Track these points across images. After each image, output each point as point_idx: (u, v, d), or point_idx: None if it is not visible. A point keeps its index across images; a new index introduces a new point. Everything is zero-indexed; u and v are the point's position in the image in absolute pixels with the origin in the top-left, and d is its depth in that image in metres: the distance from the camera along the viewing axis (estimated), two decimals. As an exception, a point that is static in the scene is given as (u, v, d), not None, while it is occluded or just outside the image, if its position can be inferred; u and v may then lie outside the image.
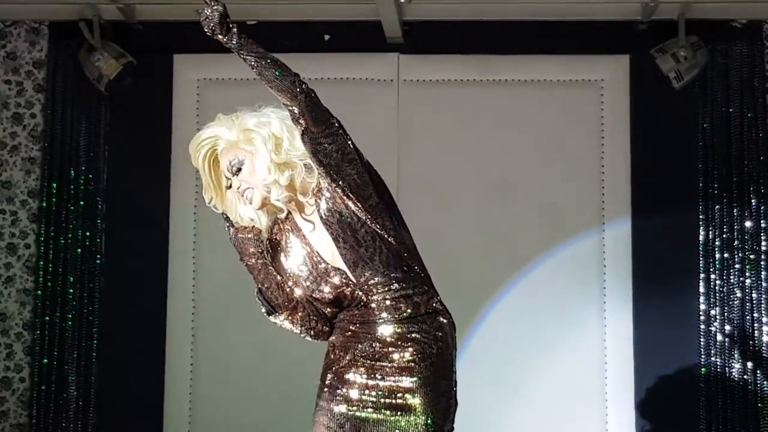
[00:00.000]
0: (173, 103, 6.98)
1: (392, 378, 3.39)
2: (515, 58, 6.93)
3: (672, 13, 6.64)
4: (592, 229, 6.83)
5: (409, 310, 3.42)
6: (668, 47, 6.62)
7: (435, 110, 6.93)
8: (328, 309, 3.51)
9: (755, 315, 6.61)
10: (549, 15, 6.82)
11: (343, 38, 6.93)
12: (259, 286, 3.49)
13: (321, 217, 3.41)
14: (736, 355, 6.60)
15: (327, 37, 6.96)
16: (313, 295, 3.49)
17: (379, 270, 3.39)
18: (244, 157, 3.39)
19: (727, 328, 6.61)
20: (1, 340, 6.90)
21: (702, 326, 6.65)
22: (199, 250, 6.87)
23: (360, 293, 3.43)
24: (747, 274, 6.64)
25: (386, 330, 3.43)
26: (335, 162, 3.32)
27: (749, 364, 6.58)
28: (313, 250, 3.46)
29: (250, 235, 3.46)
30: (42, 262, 6.84)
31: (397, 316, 3.42)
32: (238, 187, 3.41)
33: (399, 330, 3.42)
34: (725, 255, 6.66)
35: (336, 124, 3.33)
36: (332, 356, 3.51)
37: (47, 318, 6.80)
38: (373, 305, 3.43)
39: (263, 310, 3.53)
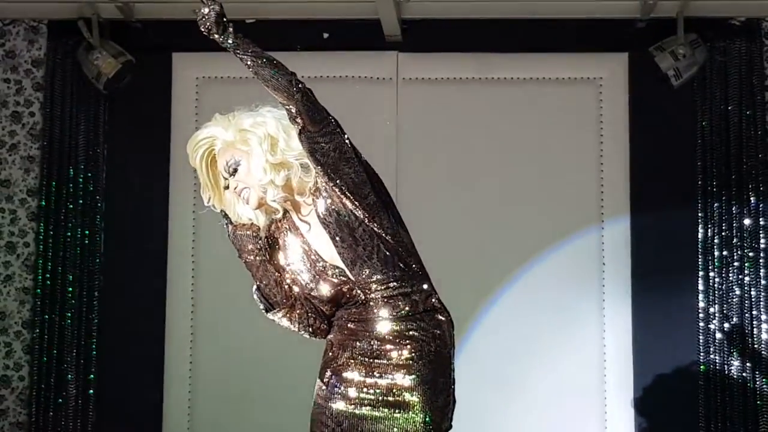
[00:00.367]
0: (172, 102, 6.98)
1: (390, 376, 3.39)
2: (514, 56, 6.93)
3: (671, 11, 6.65)
4: (591, 227, 6.83)
5: (407, 308, 3.43)
6: (667, 45, 6.62)
7: (434, 108, 6.93)
8: (326, 306, 3.52)
9: (754, 312, 6.62)
10: (548, 13, 6.83)
11: (342, 36, 6.93)
12: (258, 283, 3.50)
13: (318, 216, 3.41)
14: (734, 353, 6.60)
15: (326, 35, 6.95)
16: (312, 293, 3.50)
17: (377, 268, 3.39)
18: (241, 158, 3.39)
19: (726, 325, 6.62)
20: (1, 338, 6.90)
21: (701, 324, 6.65)
22: (198, 248, 6.87)
23: (358, 291, 3.44)
24: (746, 271, 6.64)
25: (384, 328, 3.43)
26: (332, 161, 3.32)
27: (748, 362, 6.58)
28: (311, 249, 3.47)
29: (248, 232, 3.47)
30: (41, 261, 6.84)
31: (395, 313, 3.42)
32: (235, 188, 3.42)
33: (397, 328, 3.42)
34: (724, 253, 6.67)
35: (333, 123, 3.33)
36: (330, 354, 3.52)
37: (46, 316, 6.80)
38: (372, 303, 3.44)
39: (261, 307, 3.54)
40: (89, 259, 6.86)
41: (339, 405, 3.42)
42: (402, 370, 3.39)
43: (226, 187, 3.45)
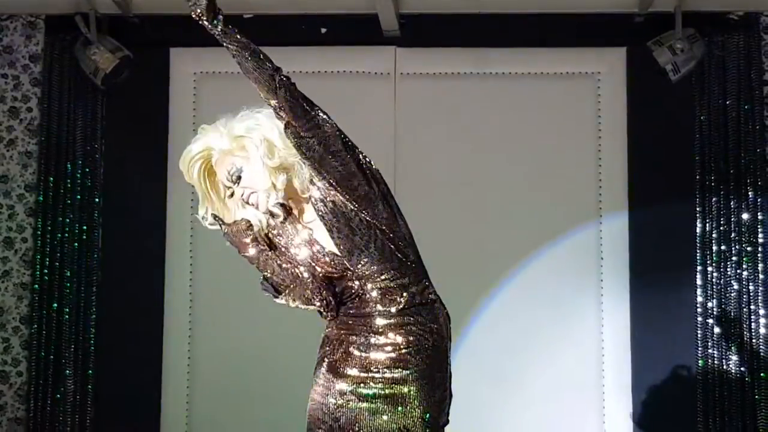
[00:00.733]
0: (170, 97, 6.97)
1: (387, 370, 3.39)
2: (512, 50, 6.93)
3: (669, 6, 6.64)
4: (590, 222, 6.83)
5: (404, 301, 3.42)
6: (665, 39, 6.62)
7: (432, 103, 6.93)
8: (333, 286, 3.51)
9: (752, 307, 6.62)
10: (546, 8, 6.82)
11: (340, 31, 6.92)
12: (263, 273, 3.49)
13: (314, 207, 3.41)
14: (732, 347, 6.60)
15: (324, 30, 6.94)
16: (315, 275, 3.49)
17: (374, 257, 3.39)
18: (242, 164, 3.38)
19: (724, 320, 6.62)
20: (-1, 334, 6.91)
21: (699, 318, 6.65)
22: (196, 244, 6.87)
23: (356, 282, 3.43)
24: (744, 266, 6.65)
25: (381, 321, 3.43)
26: (318, 155, 3.31)
27: (746, 356, 6.59)
28: (312, 239, 3.46)
29: (241, 227, 3.45)
30: (39, 256, 6.84)
31: (391, 307, 3.42)
32: (242, 195, 3.40)
33: (394, 321, 3.42)
34: (722, 247, 6.67)
35: (319, 117, 3.31)
36: (327, 348, 3.52)
37: (44, 312, 6.80)
38: (368, 296, 3.44)
39: (267, 295, 3.51)
40: (87, 255, 6.86)
41: (336, 400, 3.42)
42: (399, 364, 3.39)
43: (230, 196, 3.44)
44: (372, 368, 3.41)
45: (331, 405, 3.42)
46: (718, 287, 6.65)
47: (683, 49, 6.58)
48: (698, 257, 6.68)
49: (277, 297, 3.50)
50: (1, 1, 6.89)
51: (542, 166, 6.85)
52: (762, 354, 6.59)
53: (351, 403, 3.41)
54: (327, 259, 3.44)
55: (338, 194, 3.35)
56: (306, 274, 3.47)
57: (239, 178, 3.38)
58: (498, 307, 6.78)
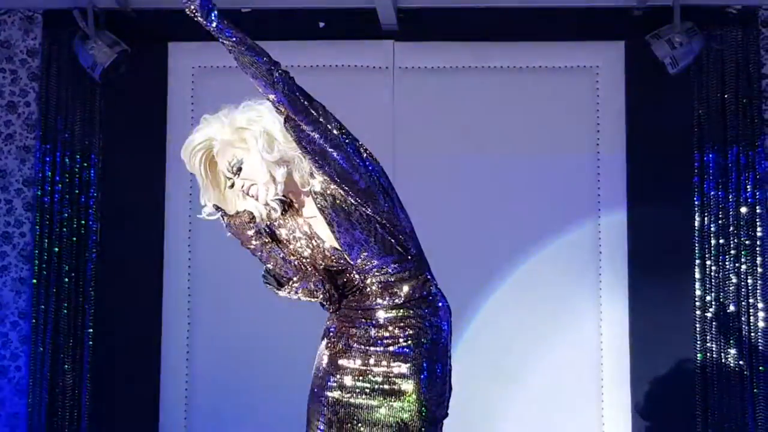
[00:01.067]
0: (168, 91, 6.97)
1: (386, 363, 3.39)
2: (511, 44, 6.92)
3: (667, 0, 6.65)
4: (588, 216, 6.83)
5: (404, 294, 3.43)
6: (663, 33, 6.61)
7: (430, 97, 6.92)
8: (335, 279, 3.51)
9: (750, 301, 6.62)
10: (544, 2, 6.81)
11: (338, 25, 6.91)
12: (265, 265, 3.49)
13: (314, 201, 3.40)
14: (731, 341, 6.61)
15: (322, 24, 6.94)
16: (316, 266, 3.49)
17: (374, 251, 3.39)
18: (243, 156, 3.38)
19: (723, 314, 6.62)
20: (-3, 328, 6.91)
21: (697, 312, 6.65)
22: (195, 238, 6.86)
23: (356, 276, 3.43)
24: (742, 260, 6.65)
25: (381, 315, 3.43)
26: (319, 149, 3.30)
27: (744, 350, 6.59)
28: (312, 232, 3.46)
29: (243, 220, 3.45)
30: (37, 251, 6.84)
31: (392, 300, 3.42)
32: (242, 186, 3.40)
33: (394, 315, 3.42)
34: (721, 241, 6.67)
35: (318, 110, 3.31)
36: (327, 341, 3.52)
37: (42, 306, 6.80)
38: (368, 290, 3.43)
39: (270, 287, 3.50)
40: (85, 250, 6.86)
41: (335, 393, 3.42)
42: (398, 358, 3.39)
43: (231, 186, 3.44)
44: (371, 361, 3.41)
45: (330, 398, 3.42)
46: (717, 281, 6.65)
47: (682, 42, 6.58)
48: (697, 251, 6.68)
49: (279, 290, 3.49)
50: (-2, -5, 6.90)
51: (541, 161, 6.84)
52: (760, 347, 6.59)
53: (350, 396, 3.41)
54: (327, 253, 3.44)
55: (338, 188, 3.34)
56: (308, 267, 3.46)
57: (240, 169, 3.38)
58: (497, 301, 6.78)
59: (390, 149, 6.75)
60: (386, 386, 3.38)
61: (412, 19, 6.90)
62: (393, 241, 3.41)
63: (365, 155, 3.39)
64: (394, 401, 3.37)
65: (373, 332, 3.43)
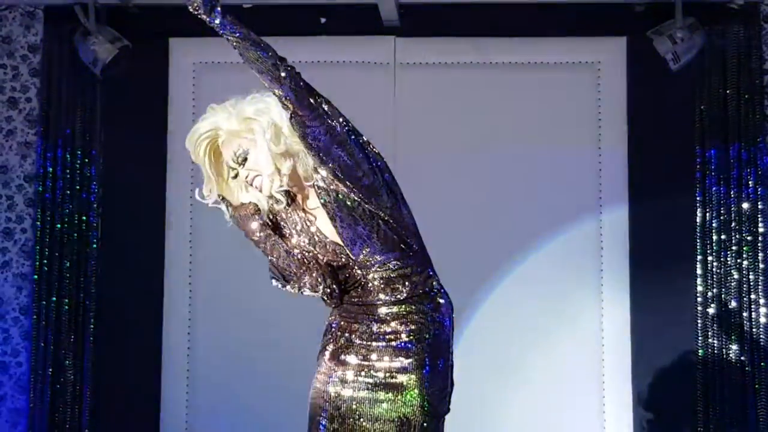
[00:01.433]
0: (169, 87, 6.96)
1: (388, 359, 3.39)
2: (512, 40, 6.92)
3: (669, -5, 6.64)
4: (590, 212, 6.82)
5: (406, 291, 3.42)
6: (665, 29, 6.60)
7: (431, 93, 6.92)
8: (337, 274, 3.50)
9: (752, 296, 6.62)
10: (545, -3, 6.82)
11: (340, 21, 6.91)
12: (270, 258, 3.48)
13: (317, 195, 3.40)
14: (733, 337, 6.60)
15: (323, 20, 6.93)
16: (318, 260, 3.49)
17: (376, 247, 3.39)
18: (248, 146, 3.37)
19: (724, 309, 6.62)
20: (-2, 324, 6.91)
21: (699, 308, 6.65)
22: (196, 234, 6.86)
23: (358, 271, 3.43)
24: (744, 255, 6.64)
25: (383, 310, 3.43)
26: (324, 145, 3.30)
27: (746, 346, 6.59)
28: (314, 227, 3.45)
29: (248, 212, 3.45)
30: (38, 247, 6.83)
31: (394, 296, 3.42)
32: (246, 177, 3.39)
33: (396, 310, 3.42)
34: (722, 237, 6.66)
35: (324, 106, 3.30)
36: (329, 336, 3.51)
37: (44, 302, 6.80)
38: (371, 285, 3.43)
39: (275, 283, 3.50)
40: (86, 245, 6.85)
41: (337, 388, 3.42)
42: (400, 353, 3.39)
43: (234, 177, 3.43)
44: (373, 357, 3.41)
45: (332, 393, 3.42)
46: (719, 277, 6.65)
47: (683, 38, 6.57)
48: (698, 247, 6.67)
49: (285, 285, 3.49)
50: (-1, -9, 6.89)
51: (542, 156, 6.84)
52: (762, 343, 6.59)
53: (352, 391, 3.41)
54: (329, 248, 3.44)
55: (342, 184, 3.34)
56: (310, 261, 3.46)
57: (245, 160, 3.37)
58: (499, 297, 6.78)
59: (391, 145, 6.74)
60: (388, 381, 3.38)
61: (413, 15, 6.89)
62: (395, 237, 3.40)
63: (370, 151, 3.38)
64: (396, 396, 3.37)
65: (375, 328, 3.43)
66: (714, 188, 6.69)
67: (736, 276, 6.63)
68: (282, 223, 3.49)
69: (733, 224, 6.66)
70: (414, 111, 6.88)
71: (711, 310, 6.64)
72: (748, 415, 6.54)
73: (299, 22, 6.85)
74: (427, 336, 3.41)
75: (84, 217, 6.87)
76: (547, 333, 6.75)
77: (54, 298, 6.80)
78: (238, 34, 3.21)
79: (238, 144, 3.38)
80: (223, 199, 3.47)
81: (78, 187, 6.88)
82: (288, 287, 3.49)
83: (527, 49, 6.91)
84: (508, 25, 6.86)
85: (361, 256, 3.40)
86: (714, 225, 6.67)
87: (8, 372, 6.88)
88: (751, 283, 6.62)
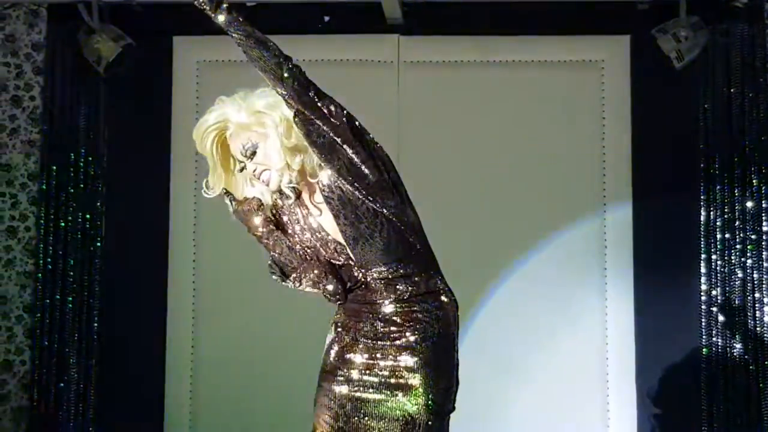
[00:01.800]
0: (173, 85, 6.96)
1: (393, 358, 3.39)
2: (516, 38, 6.91)
3: (673, -7, 6.63)
4: (593, 210, 6.82)
5: (410, 290, 3.42)
6: (669, 27, 6.59)
7: (435, 91, 6.92)
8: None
9: (756, 295, 6.61)
10: (549, -5, 6.81)
11: (343, 20, 6.91)
12: (272, 254, 3.48)
13: (321, 192, 3.40)
14: (737, 336, 6.60)
15: (327, 18, 6.93)
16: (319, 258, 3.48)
17: (378, 247, 3.38)
18: (258, 140, 3.37)
19: (729, 308, 6.61)
20: (2, 323, 6.90)
21: (703, 307, 6.65)
22: (200, 232, 6.86)
23: (359, 271, 3.42)
24: (748, 254, 6.64)
25: (388, 309, 3.43)
26: (328, 143, 3.30)
27: (750, 344, 6.58)
28: (317, 224, 3.45)
29: (251, 207, 3.45)
30: (42, 245, 6.84)
31: (397, 295, 3.42)
32: (254, 171, 3.39)
33: (400, 310, 3.42)
34: (726, 235, 6.66)
35: (329, 105, 3.30)
36: (334, 335, 3.51)
37: (48, 301, 6.80)
38: (372, 285, 3.43)
39: (275, 278, 3.50)
40: (90, 244, 6.86)
41: (342, 388, 3.42)
42: (405, 352, 3.39)
43: (241, 170, 3.43)
44: (378, 355, 3.40)
45: (337, 392, 3.42)
46: (723, 276, 6.64)
47: (687, 36, 6.56)
48: (702, 246, 6.67)
49: (285, 281, 3.49)
50: (3, -11, 6.89)
51: (546, 155, 6.83)
52: (766, 342, 6.58)
53: (357, 390, 3.40)
54: (330, 246, 3.44)
55: (346, 182, 3.33)
56: (312, 258, 3.46)
57: (254, 153, 3.37)
58: (503, 296, 6.77)
59: (395, 143, 6.72)
60: (393, 380, 3.38)
61: (417, 13, 6.89)
62: (399, 237, 3.40)
63: (375, 149, 3.38)
64: (401, 395, 3.37)
65: (379, 326, 3.43)
66: (718, 187, 6.68)
67: (740, 275, 6.63)
68: (285, 219, 3.49)
69: (737, 223, 6.66)
70: (418, 109, 6.88)
71: (715, 309, 6.63)
72: (752, 414, 6.53)
73: (303, 20, 6.85)
74: (431, 335, 3.41)
75: (88, 216, 6.87)
76: (551, 332, 6.75)
77: (58, 297, 6.80)
78: (242, 31, 3.21)
79: (247, 137, 3.37)
80: (227, 193, 3.47)
81: (82, 186, 6.88)
82: (287, 282, 3.49)
83: (531, 48, 6.90)
84: (512, 23, 6.86)
85: (362, 256, 3.40)
86: (718, 224, 6.66)
87: (12, 370, 6.89)
88: (756, 282, 6.61)
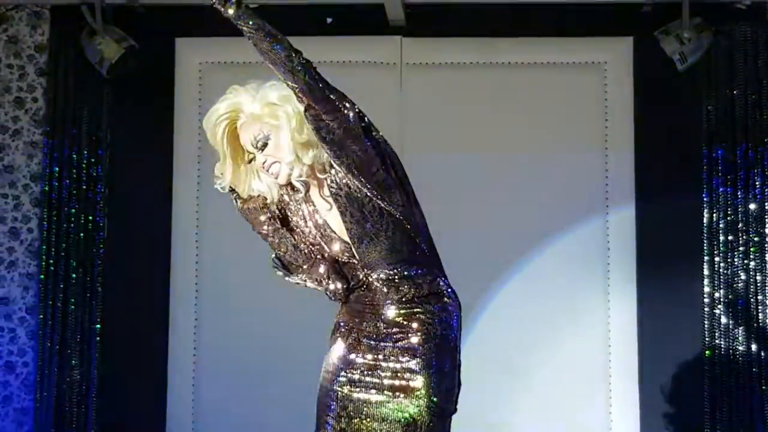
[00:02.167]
0: (175, 87, 6.97)
1: (395, 359, 3.38)
2: (518, 40, 6.91)
3: (676, -5, 6.63)
4: (596, 212, 6.82)
5: (413, 291, 3.41)
6: (672, 29, 6.60)
7: (438, 93, 6.91)
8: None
9: (759, 297, 6.61)
10: (552, -3, 6.81)
11: (346, 21, 6.91)
12: (276, 251, 3.48)
13: (329, 189, 3.39)
14: (740, 338, 6.59)
15: (329, 20, 6.93)
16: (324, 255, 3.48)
17: (383, 247, 3.38)
18: (270, 132, 3.36)
19: (732, 310, 6.61)
20: (5, 324, 6.90)
21: (706, 309, 6.64)
22: (202, 234, 6.86)
23: (363, 271, 3.42)
24: (751, 256, 6.64)
25: (390, 310, 3.42)
26: (338, 138, 3.29)
27: (753, 347, 6.58)
28: (323, 222, 3.45)
29: (256, 205, 3.45)
30: (45, 247, 6.84)
31: (400, 297, 3.41)
32: (263, 162, 3.38)
33: (403, 311, 3.41)
34: (729, 237, 6.66)
35: (340, 100, 3.29)
36: (337, 336, 3.51)
37: (50, 302, 6.81)
38: (375, 285, 3.42)
39: (279, 273, 3.50)
40: (92, 245, 6.86)
41: (344, 388, 3.41)
42: (407, 354, 3.38)
43: (249, 161, 3.42)
44: (381, 357, 3.39)
45: (339, 393, 3.41)
46: (726, 277, 6.64)
47: (690, 38, 6.56)
48: (705, 247, 6.67)
49: (288, 275, 3.48)
50: (6, -9, 6.90)
51: (549, 157, 6.83)
52: (769, 344, 6.59)
53: (359, 391, 3.39)
54: (335, 244, 3.43)
55: (354, 179, 3.32)
56: (317, 256, 3.46)
57: (265, 145, 3.36)
58: (506, 297, 6.77)
59: (398, 145, 6.65)
60: (395, 382, 3.37)
61: (419, 15, 6.89)
62: (404, 237, 3.39)
63: (384, 147, 3.38)
64: (403, 396, 3.36)
65: (382, 327, 3.42)
66: (721, 189, 6.69)
67: (743, 277, 6.63)
68: (290, 216, 3.48)
69: (740, 225, 6.66)
70: (420, 111, 6.88)
71: (718, 311, 6.63)
72: (755, 416, 6.52)
73: (305, 22, 6.84)
74: (434, 336, 3.40)
75: (90, 217, 6.87)
76: (554, 334, 6.74)
77: (60, 298, 6.80)
78: (252, 24, 3.21)
79: (259, 128, 3.36)
80: (233, 190, 3.46)
81: (84, 187, 6.89)
82: (290, 278, 3.49)
83: (534, 49, 6.90)
84: (514, 25, 6.86)
85: (366, 255, 3.39)
86: (721, 226, 6.66)
87: (15, 372, 6.89)
88: (758, 284, 6.61)
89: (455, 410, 3.47)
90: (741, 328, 6.59)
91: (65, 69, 6.95)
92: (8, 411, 6.86)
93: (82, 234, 6.85)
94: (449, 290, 3.48)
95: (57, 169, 6.88)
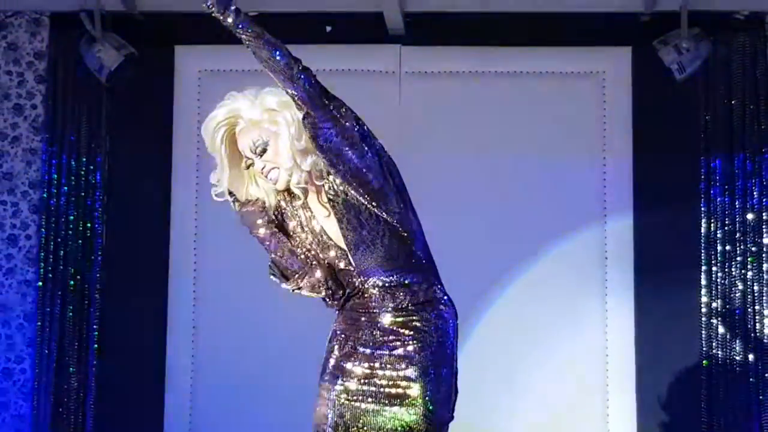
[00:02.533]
0: (174, 95, 6.98)
1: (392, 367, 3.38)
2: (517, 50, 6.92)
3: (674, 5, 6.62)
4: (594, 221, 6.82)
5: (408, 298, 3.41)
6: (671, 39, 6.60)
7: (437, 102, 6.92)
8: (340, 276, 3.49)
9: (756, 307, 6.61)
10: (551, 7, 6.80)
11: (345, 30, 6.92)
12: (272, 256, 3.48)
13: (327, 195, 3.40)
14: (737, 348, 6.59)
15: (329, 28, 6.94)
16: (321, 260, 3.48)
17: (379, 254, 3.38)
18: (269, 138, 3.36)
19: (729, 320, 6.61)
20: (2, 331, 6.90)
21: (703, 318, 6.65)
22: (200, 241, 6.86)
23: (358, 278, 3.42)
24: (748, 266, 6.64)
25: (386, 319, 3.42)
26: (335, 146, 3.30)
27: (750, 356, 6.58)
28: (320, 227, 3.45)
29: (254, 208, 3.45)
30: (43, 254, 6.84)
31: (396, 304, 3.41)
32: (262, 168, 3.39)
33: (399, 319, 3.41)
34: (727, 247, 6.66)
35: (338, 109, 3.30)
36: (334, 344, 3.50)
37: (48, 309, 6.80)
38: (370, 292, 3.42)
39: (276, 280, 3.50)
40: (91, 252, 6.86)
41: (341, 397, 3.41)
42: (404, 362, 3.38)
43: (247, 167, 3.43)
44: (377, 365, 3.39)
45: (335, 401, 3.41)
46: (723, 287, 6.64)
47: (689, 48, 6.57)
48: (703, 257, 6.67)
49: (284, 282, 3.48)
50: (6, -2, 6.91)
51: (547, 166, 6.84)
52: (766, 354, 6.58)
53: (356, 399, 3.39)
54: (331, 250, 3.44)
55: (351, 187, 3.33)
56: (313, 261, 3.46)
57: (264, 151, 3.36)
58: (503, 305, 6.77)
59: (396, 153, 6.70)
60: (392, 390, 3.37)
61: (418, 24, 6.90)
62: (400, 245, 3.40)
63: (382, 154, 3.38)
64: (400, 405, 3.36)
65: (378, 335, 3.42)
66: (719, 199, 6.69)
67: (740, 287, 6.63)
68: (288, 221, 3.49)
69: (738, 235, 6.66)
70: (419, 119, 6.89)
71: (715, 321, 6.63)
72: (752, 426, 6.52)
73: (305, 30, 6.84)
74: (430, 344, 3.40)
75: (89, 224, 6.88)
76: (551, 341, 6.75)
77: (58, 305, 6.80)
78: (251, 32, 3.21)
79: (257, 134, 3.36)
80: (231, 194, 3.46)
81: (83, 194, 6.89)
82: (286, 284, 3.49)
83: (532, 59, 6.91)
84: (513, 34, 6.87)
85: (362, 262, 3.39)
86: (719, 235, 6.67)
87: (12, 378, 6.88)
88: (756, 294, 6.62)
89: (452, 418, 3.47)
90: (738, 338, 6.59)
91: (64, 76, 6.96)
92: (5, 418, 6.85)
93: (80, 241, 6.86)
94: (445, 297, 3.48)
95: (56, 176, 6.89)
